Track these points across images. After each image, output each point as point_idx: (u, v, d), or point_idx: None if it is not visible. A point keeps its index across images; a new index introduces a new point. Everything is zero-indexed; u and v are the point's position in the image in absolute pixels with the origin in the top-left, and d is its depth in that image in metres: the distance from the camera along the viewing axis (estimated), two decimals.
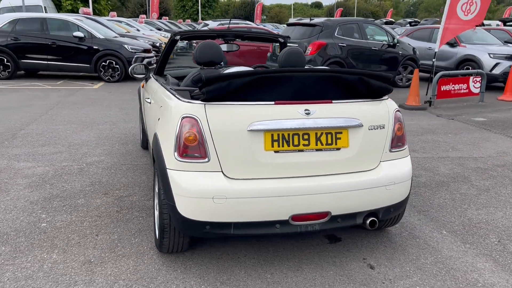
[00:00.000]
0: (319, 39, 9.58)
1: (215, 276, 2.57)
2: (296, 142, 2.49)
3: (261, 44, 11.47)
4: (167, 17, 30.92)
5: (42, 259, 2.67)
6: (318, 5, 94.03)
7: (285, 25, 10.83)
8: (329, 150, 2.55)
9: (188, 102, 2.50)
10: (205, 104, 2.45)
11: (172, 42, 4.12)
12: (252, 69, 2.85)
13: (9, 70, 11.07)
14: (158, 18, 30.29)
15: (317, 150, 2.53)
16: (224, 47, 4.62)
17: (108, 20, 16.23)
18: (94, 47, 10.97)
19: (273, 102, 2.50)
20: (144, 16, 24.69)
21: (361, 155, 2.62)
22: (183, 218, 2.42)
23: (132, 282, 2.48)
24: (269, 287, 2.49)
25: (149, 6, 33.44)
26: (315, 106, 2.54)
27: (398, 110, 2.81)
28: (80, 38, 10.92)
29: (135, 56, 11.09)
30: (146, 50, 11.66)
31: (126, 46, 11.10)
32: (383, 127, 2.69)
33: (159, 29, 22.72)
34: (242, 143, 2.42)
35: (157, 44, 14.14)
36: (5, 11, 19.55)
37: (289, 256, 2.82)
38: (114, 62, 11.03)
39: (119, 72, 11.08)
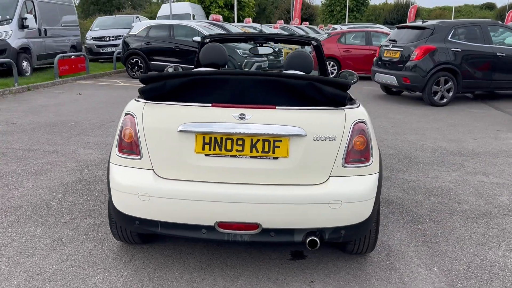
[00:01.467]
0: (428, 43, 8.71)
1: (150, 272, 2.64)
2: (228, 147, 2.41)
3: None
4: (307, 22, 31.33)
5: (26, 232, 3.08)
6: (490, 6, 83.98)
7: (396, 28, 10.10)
8: (265, 159, 2.40)
9: (136, 100, 2.61)
10: (145, 103, 2.53)
11: (202, 45, 4.29)
12: (208, 70, 2.81)
13: (141, 70, 12.60)
14: (299, 24, 30.98)
15: (251, 157, 2.40)
16: (258, 50, 4.61)
17: (238, 25, 17.25)
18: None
19: (210, 104, 2.46)
20: (282, 21, 25.49)
21: (304, 167, 2.40)
22: (116, 210, 2.55)
23: (77, 263, 2.70)
24: None
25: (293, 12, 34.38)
26: (254, 111, 2.41)
27: (362, 122, 2.48)
28: (198, 43, 11.84)
29: (246, 60, 11.60)
30: (257, 55, 12.07)
31: (238, 50, 11.68)
32: (334, 139, 2.42)
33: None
34: (172, 143, 2.44)
35: (276, 49, 14.50)
36: (162, 18, 22.23)
37: (237, 266, 2.72)
38: (226, 66, 11.69)
39: None
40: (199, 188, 2.40)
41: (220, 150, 2.41)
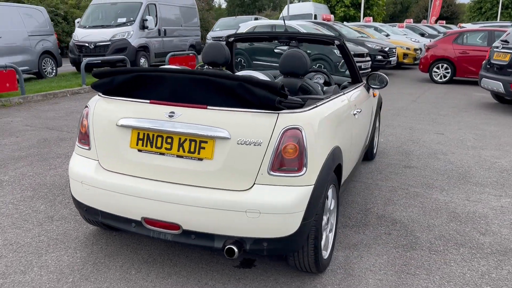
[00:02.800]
0: None
1: (99, 257, 2.79)
2: (159, 144, 2.43)
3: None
4: (443, 21, 28.79)
5: (32, 207, 3.50)
6: None
7: None
8: (190, 159, 2.36)
9: (98, 94, 2.79)
10: (99, 97, 2.69)
11: (227, 43, 4.32)
12: (149, 67, 2.78)
13: (244, 70, 13.06)
14: (435, 22, 28.71)
15: (178, 156, 2.39)
16: (283, 49, 4.45)
17: (353, 25, 16.71)
18: (308, 51, 11.68)
19: (148, 101, 2.51)
20: (411, 20, 23.89)
21: (227, 171, 2.30)
22: (71, 195, 2.76)
23: (48, 239, 2.99)
24: (117, 283, 2.54)
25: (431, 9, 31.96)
26: (186, 110, 2.39)
27: (296, 128, 2.27)
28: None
29: (343, 60, 11.22)
30: (359, 55, 11.58)
31: (335, 50, 11.34)
32: (259, 144, 2.26)
33: (423, 35, 21.67)
34: (112, 136, 2.55)
35: (386, 49, 13.71)
36: (288, 18, 22.66)
37: (179, 264, 2.72)
38: (322, 66, 11.49)
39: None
40: (128, 183, 2.46)
41: (151, 147, 2.44)
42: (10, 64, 8.43)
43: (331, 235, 2.84)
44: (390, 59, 13.86)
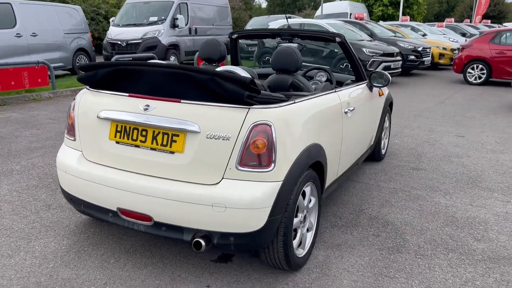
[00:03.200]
0: None
1: (84, 246, 2.89)
2: (134, 137, 2.48)
3: None
4: (488, 21, 27.59)
5: (34, 195, 3.66)
6: None
7: None
8: (163, 152, 2.40)
9: (86, 87, 2.87)
10: (87, 90, 2.78)
11: (230, 41, 4.35)
12: (129, 61, 2.82)
13: None
14: (479, 22, 27.61)
15: (151, 149, 2.43)
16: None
17: (386, 24, 16.32)
18: (335, 50, 11.53)
19: (127, 94, 2.56)
20: (451, 19, 23.07)
21: (197, 165, 2.32)
22: (59, 184, 2.87)
23: (41, 226, 3.12)
24: (94, 271, 2.61)
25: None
26: (160, 103, 2.43)
27: (266, 124, 2.25)
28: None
29: (372, 59, 11.00)
30: (388, 54, 11.30)
31: (364, 49, 11.14)
32: (228, 139, 2.26)
33: (464, 34, 20.89)
34: (92, 128, 2.63)
35: (419, 49, 13.31)
36: (320, 18, 22.47)
37: (157, 256, 2.77)
38: (349, 66, 11.30)
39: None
40: (106, 174, 2.53)
41: (128, 139, 2.50)
42: (42, 60, 8.81)
43: (311, 234, 2.80)
44: (424, 59, 13.45)
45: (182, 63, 13.53)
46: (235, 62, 4.67)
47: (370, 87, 3.97)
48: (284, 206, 2.33)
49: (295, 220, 2.53)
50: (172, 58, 13.00)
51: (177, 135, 2.36)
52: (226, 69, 2.84)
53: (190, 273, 2.58)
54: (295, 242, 2.57)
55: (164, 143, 2.39)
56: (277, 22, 13.37)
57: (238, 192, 2.24)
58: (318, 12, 23.34)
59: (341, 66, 11.48)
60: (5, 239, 2.94)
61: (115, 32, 12.92)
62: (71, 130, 2.78)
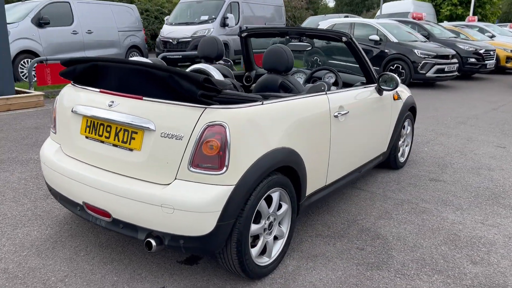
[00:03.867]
0: None
1: (62, 236, 2.96)
2: (100, 132, 2.50)
3: None
4: None
5: (37, 183, 3.82)
6: None
7: None
8: (123, 149, 2.40)
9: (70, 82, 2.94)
10: (69, 85, 2.84)
11: (240, 40, 4.28)
12: (99, 57, 2.80)
13: None
14: None
15: (113, 145, 2.44)
16: (294, 45, 4.26)
17: (452, 25, 15.39)
18: (386, 50, 11.07)
19: (98, 90, 2.59)
20: (475, 18, 21.34)
21: (152, 164, 2.29)
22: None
23: (32, 215, 3.24)
24: (61, 262, 2.66)
25: None
26: (123, 99, 2.43)
27: (220, 125, 2.17)
28: (375, 42, 11.27)
29: (423, 61, 10.43)
30: (442, 57, 10.65)
31: (416, 50, 10.59)
32: (181, 138, 2.21)
33: None
34: (68, 122, 2.69)
35: (481, 51, 12.41)
36: (383, 17, 21.71)
37: (127, 252, 2.77)
38: (400, 67, 10.80)
39: (403, 77, 10.78)
40: (75, 168, 2.57)
41: (95, 134, 2.52)
42: (85, 56, 9.25)
43: (281, 242, 2.67)
44: (486, 62, 12.54)
45: (231, 62, 13.69)
46: (247, 62, 4.58)
47: (379, 91, 3.72)
48: (237, 211, 2.23)
49: (256, 226, 2.42)
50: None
51: (136, 133, 2.34)
52: (198, 68, 2.78)
53: (150, 272, 2.55)
54: (255, 250, 2.45)
55: (125, 140, 2.38)
56: (327, 21, 13.07)
57: (187, 194, 2.18)
58: (385, 10, 22.56)
59: (391, 67, 11.02)
60: None
61: (167, 31, 13.30)
62: (53, 123, 2.86)
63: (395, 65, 10.89)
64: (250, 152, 2.27)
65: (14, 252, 2.74)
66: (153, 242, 2.26)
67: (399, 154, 4.48)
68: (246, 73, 4.59)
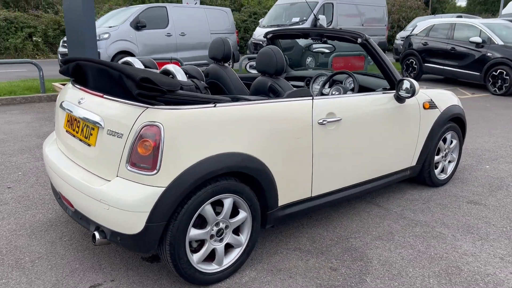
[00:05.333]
0: None
1: (44, 221, 3.21)
2: (74, 127, 2.68)
3: None
4: None
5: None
6: None
7: None
8: (84, 143, 2.54)
9: None
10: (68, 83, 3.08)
11: (267, 42, 4.19)
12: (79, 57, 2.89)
13: (415, 72, 11.96)
14: None
15: (80, 140, 2.59)
16: (316, 47, 4.01)
17: None
18: (488, 54, 9.90)
19: (79, 87, 2.76)
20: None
21: (101, 159, 2.39)
22: None
23: (29, 202, 3.57)
24: (38, 243, 2.89)
25: None
26: (89, 97, 2.57)
27: (156, 126, 2.17)
28: (477, 44, 10.16)
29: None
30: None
31: None
32: (120, 137, 2.26)
33: None
34: (58, 117, 2.92)
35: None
36: (507, 17, 19.46)
37: (99, 249, 2.90)
38: (504, 73, 9.57)
39: (507, 85, 9.55)
40: (54, 160, 2.77)
41: (71, 128, 2.70)
42: (175, 57, 9.85)
43: (238, 251, 2.57)
44: None
45: (316, 66, 13.42)
46: None
47: (398, 98, 3.35)
48: (169, 214, 2.20)
49: (198, 231, 2.36)
50: (309, 60, 13.00)
51: (93, 129, 2.45)
52: (165, 68, 2.77)
53: (110, 265, 2.65)
54: (197, 255, 2.39)
55: (86, 135, 2.51)
56: (426, 21, 12.11)
57: (121, 192, 2.22)
58: (505, 11, 20.19)
59: (493, 73, 9.83)
60: (5, 206, 3.47)
61: (259, 33, 13.54)
62: (55, 117, 3.12)
63: (498, 71, 9.67)
64: (187, 155, 2.23)
65: (13, 230, 3.05)
66: (97, 236, 2.34)
67: (438, 170, 3.97)
68: None
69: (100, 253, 2.78)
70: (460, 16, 17.71)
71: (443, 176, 4.05)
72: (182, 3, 18.96)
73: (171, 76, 2.70)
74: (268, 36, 4.18)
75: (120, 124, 2.26)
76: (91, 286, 2.43)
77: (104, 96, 2.45)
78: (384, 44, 16.05)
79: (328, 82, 3.91)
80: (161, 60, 9.61)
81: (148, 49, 11.00)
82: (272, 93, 2.98)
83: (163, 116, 2.19)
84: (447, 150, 4.03)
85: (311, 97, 2.81)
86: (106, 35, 10.26)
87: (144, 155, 2.19)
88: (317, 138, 2.79)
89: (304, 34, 3.84)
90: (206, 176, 2.27)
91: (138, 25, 10.77)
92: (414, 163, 3.69)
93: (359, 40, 3.29)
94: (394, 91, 3.36)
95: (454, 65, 10.74)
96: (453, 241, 3.01)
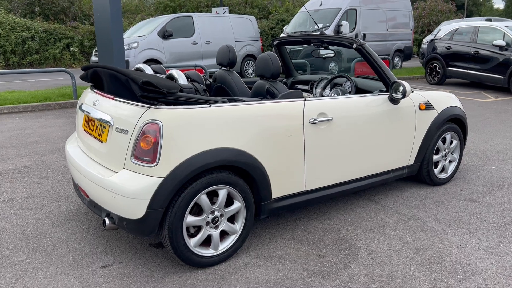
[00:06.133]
0: None
1: (68, 212, 3.57)
2: (90, 126, 3.02)
3: None
4: None
5: None
6: None
7: None
8: (98, 140, 2.87)
9: None
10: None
11: (274, 48, 4.45)
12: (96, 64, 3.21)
13: (438, 76, 11.92)
14: None
15: (94, 137, 2.93)
16: (318, 52, 4.23)
17: None
18: None
19: (95, 90, 3.11)
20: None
21: (111, 153, 2.72)
22: None
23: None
24: (60, 230, 3.25)
25: None
26: (102, 99, 2.91)
27: (155, 123, 2.47)
28: (500, 47, 10.07)
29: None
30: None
31: None
32: (126, 133, 2.58)
33: None
34: (77, 118, 3.28)
35: None
36: None
37: (105, 236, 3.24)
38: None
39: None
40: (73, 156, 3.12)
41: (87, 127, 3.05)
42: (200, 64, 10.25)
43: (232, 238, 2.82)
44: None
45: (340, 71, 13.55)
46: (285, 69, 4.71)
47: (392, 99, 3.54)
48: (167, 201, 2.49)
49: (194, 218, 2.64)
50: (332, 65, 13.16)
51: (105, 127, 2.78)
52: (169, 73, 3.06)
53: (121, 249, 2.96)
54: (194, 240, 2.67)
55: (99, 133, 2.84)
56: (451, 25, 12.05)
57: (126, 182, 2.53)
58: None
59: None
60: (34, 199, 3.86)
61: None
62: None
63: None
64: (183, 149, 2.51)
65: (39, 219, 3.43)
66: (107, 221, 2.66)
67: (438, 169, 4.11)
68: (284, 79, 4.74)
69: (113, 239, 3.11)
70: (490, 20, 17.42)
71: (443, 175, 4.18)
72: (211, 12, 19.51)
73: (174, 80, 3.00)
74: (274, 43, 4.45)
75: (126, 122, 2.58)
76: (102, 266, 2.75)
77: (115, 98, 2.78)
78: (410, 49, 16.01)
79: (329, 85, 4.14)
80: (186, 68, 10.02)
81: (174, 57, 11.47)
82: (269, 95, 3.24)
83: (163, 115, 2.49)
84: (447, 150, 4.16)
85: (303, 99, 3.05)
86: (135, 44, 10.79)
87: (146, 149, 2.49)
88: (308, 136, 3.03)
89: (306, 40, 4.09)
90: (200, 168, 2.55)
91: (165, 34, 11.25)
92: (411, 162, 3.85)
93: (354, 45, 3.51)
94: (388, 93, 3.56)
95: (477, 68, 10.67)
96: (441, 234, 3.17)
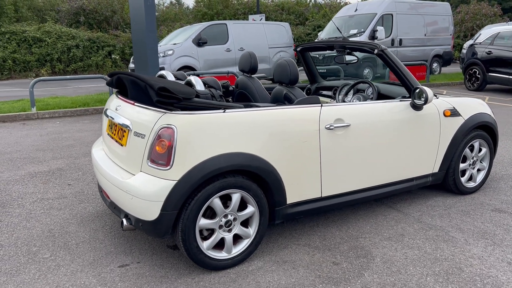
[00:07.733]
0: None
1: (93, 212, 3.70)
2: (113, 130, 3.15)
3: None
4: None
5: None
6: None
7: None
8: (119, 144, 2.98)
9: None
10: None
11: (298, 55, 4.46)
12: (118, 71, 3.31)
13: (478, 82, 11.53)
14: None
15: (116, 141, 3.05)
16: (343, 58, 4.19)
17: None
18: None
19: (119, 96, 3.23)
20: None
21: (130, 157, 2.82)
22: None
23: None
24: (84, 229, 3.38)
25: None
26: (124, 104, 3.02)
27: (170, 128, 2.55)
28: None
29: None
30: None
31: None
32: (143, 137, 2.67)
33: None
34: (103, 123, 3.41)
35: None
36: None
37: (122, 236, 3.34)
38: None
39: None
40: (98, 159, 3.26)
41: (111, 132, 3.17)
42: (232, 71, 10.37)
43: (246, 242, 2.85)
44: None
45: (377, 75, 13.33)
46: (309, 75, 4.71)
47: (414, 105, 3.47)
48: (180, 203, 2.56)
49: (207, 221, 2.69)
50: (366, 71, 12.98)
51: (125, 131, 2.89)
52: (189, 79, 3.13)
53: (139, 249, 3.06)
54: (207, 242, 2.71)
55: (120, 137, 2.96)
56: (492, 29, 11.63)
57: (142, 184, 2.62)
58: None
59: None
60: (64, 199, 4.03)
61: None
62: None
63: None
64: (197, 153, 2.58)
65: (66, 219, 3.58)
66: (125, 222, 2.76)
67: (465, 178, 3.98)
68: (308, 86, 4.74)
69: (133, 240, 3.21)
70: None
71: (471, 184, 4.04)
72: (248, 19, 19.72)
73: (192, 86, 3.08)
74: (298, 49, 4.47)
75: (144, 126, 2.67)
76: (120, 266, 2.85)
77: (135, 103, 2.88)
78: (449, 54, 15.55)
79: (352, 91, 4.10)
80: (219, 74, 10.18)
81: (208, 63, 11.68)
82: (287, 100, 3.26)
83: (177, 120, 2.57)
84: (475, 158, 4.02)
85: (319, 104, 3.05)
86: (170, 52, 11.08)
87: (161, 153, 2.57)
88: (324, 142, 3.02)
89: (329, 46, 4.08)
90: (213, 172, 2.60)
91: (199, 42, 11.49)
92: (436, 170, 3.75)
93: (376, 51, 3.48)
94: (409, 99, 3.49)
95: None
96: (463, 245, 3.07)
